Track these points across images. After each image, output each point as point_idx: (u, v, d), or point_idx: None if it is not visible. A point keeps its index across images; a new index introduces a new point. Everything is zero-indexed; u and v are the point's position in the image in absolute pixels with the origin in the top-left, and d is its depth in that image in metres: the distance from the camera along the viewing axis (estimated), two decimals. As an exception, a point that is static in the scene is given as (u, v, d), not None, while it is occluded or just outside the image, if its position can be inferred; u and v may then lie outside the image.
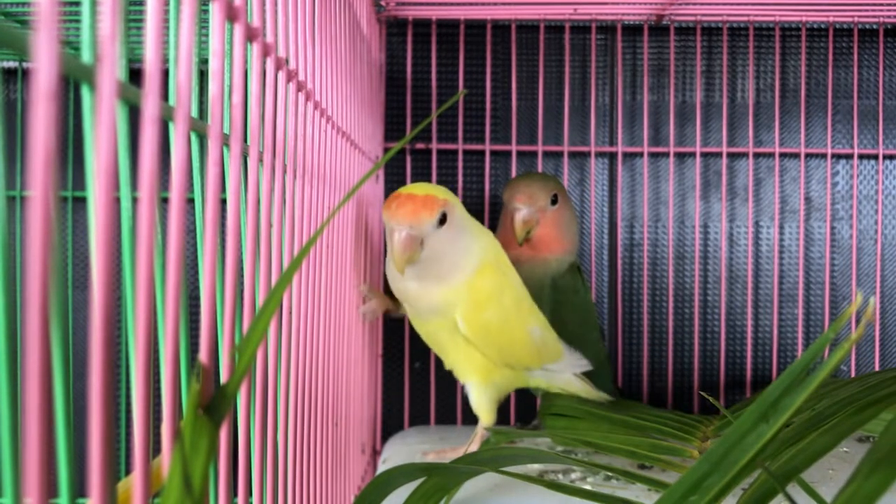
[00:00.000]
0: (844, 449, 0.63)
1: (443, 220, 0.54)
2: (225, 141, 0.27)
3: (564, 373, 0.64)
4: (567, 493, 0.38)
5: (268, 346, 0.32)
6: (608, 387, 0.74)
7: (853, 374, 0.83)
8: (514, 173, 0.83)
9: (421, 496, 0.41)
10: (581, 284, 0.72)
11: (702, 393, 0.50)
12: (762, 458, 0.28)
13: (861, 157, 0.85)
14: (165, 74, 0.22)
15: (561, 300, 0.71)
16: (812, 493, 0.35)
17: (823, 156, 0.85)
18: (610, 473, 0.48)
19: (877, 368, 0.84)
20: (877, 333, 0.85)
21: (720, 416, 0.64)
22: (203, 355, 0.23)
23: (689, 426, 0.58)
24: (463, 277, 0.56)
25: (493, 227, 0.71)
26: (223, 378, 0.27)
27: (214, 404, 0.22)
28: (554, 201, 0.70)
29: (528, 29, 0.85)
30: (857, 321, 0.85)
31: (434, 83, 0.84)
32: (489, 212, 0.84)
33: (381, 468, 0.62)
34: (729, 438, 0.28)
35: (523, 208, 0.68)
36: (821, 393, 0.52)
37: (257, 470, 0.31)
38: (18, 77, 0.82)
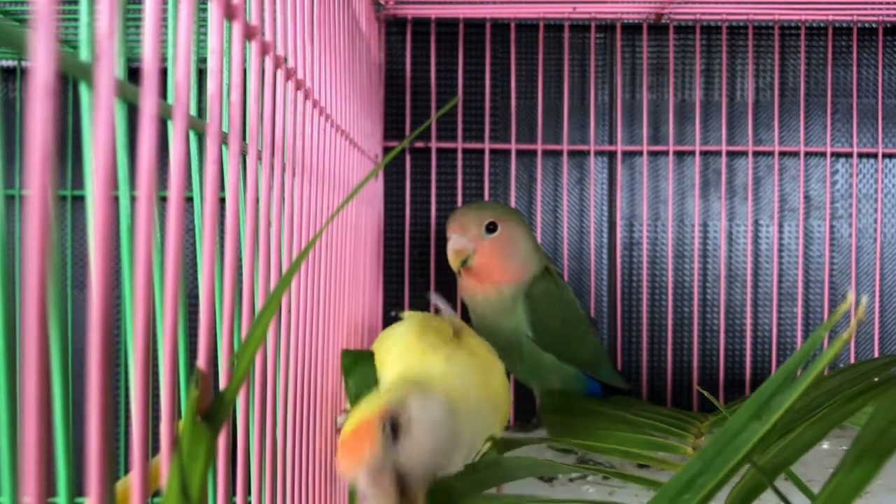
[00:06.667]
0: (844, 448, 0.63)
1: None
2: (223, 139, 0.27)
3: None
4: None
5: (266, 348, 0.32)
6: (611, 375, 0.74)
7: (852, 373, 0.83)
8: (513, 172, 0.83)
9: None
10: (554, 286, 0.70)
11: (700, 389, 0.50)
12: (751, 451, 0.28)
13: (860, 155, 0.85)
14: (164, 73, 0.22)
15: (538, 308, 0.69)
16: (801, 485, 0.35)
17: (823, 154, 0.85)
18: (607, 474, 0.48)
19: (876, 367, 0.84)
20: (876, 332, 0.85)
21: (717, 412, 0.64)
22: (201, 360, 0.23)
23: (685, 422, 0.58)
24: None
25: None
26: (222, 374, 0.27)
27: (213, 411, 0.22)
28: (491, 229, 0.68)
29: (527, 28, 0.85)
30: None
31: (433, 82, 0.84)
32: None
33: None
34: (722, 437, 0.28)
35: (454, 237, 0.68)
36: (812, 383, 0.52)
37: (255, 475, 0.31)
38: (17, 76, 0.82)
